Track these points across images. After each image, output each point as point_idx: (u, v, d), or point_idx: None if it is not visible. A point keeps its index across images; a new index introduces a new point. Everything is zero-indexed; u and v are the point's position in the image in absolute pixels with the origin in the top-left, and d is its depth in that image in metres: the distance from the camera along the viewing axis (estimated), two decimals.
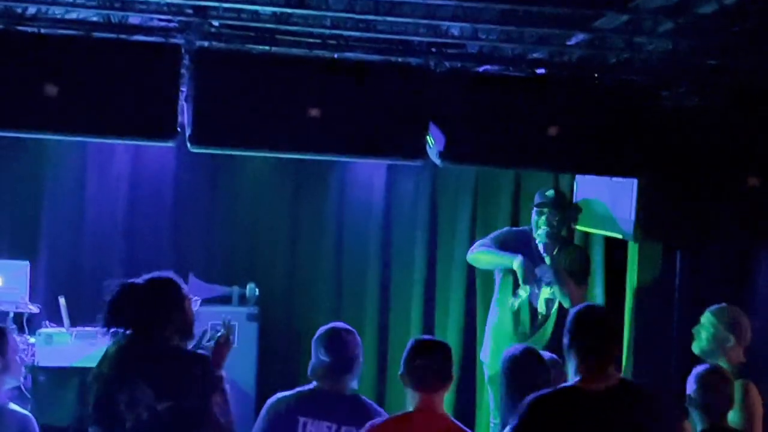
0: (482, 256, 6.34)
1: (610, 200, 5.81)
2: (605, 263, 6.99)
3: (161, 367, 4.00)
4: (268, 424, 4.43)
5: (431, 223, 7.63)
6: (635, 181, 5.44)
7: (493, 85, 5.01)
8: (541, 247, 6.17)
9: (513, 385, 4.56)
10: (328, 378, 4.43)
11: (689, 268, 6.13)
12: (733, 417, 4.58)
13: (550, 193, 6.30)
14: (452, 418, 4.11)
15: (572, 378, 3.94)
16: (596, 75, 5.14)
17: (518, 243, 6.32)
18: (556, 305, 6.24)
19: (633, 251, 6.22)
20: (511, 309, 6.28)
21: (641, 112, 5.09)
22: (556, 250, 6.22)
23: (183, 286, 4.21)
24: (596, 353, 3.90)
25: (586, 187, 6.24)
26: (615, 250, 6.64)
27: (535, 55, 5.05)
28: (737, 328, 5.00)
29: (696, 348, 5.08)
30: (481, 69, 5.07)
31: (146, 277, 4.19)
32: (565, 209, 6.32)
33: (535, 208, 6.33)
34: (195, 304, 4.35)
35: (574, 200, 6.48)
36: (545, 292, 6.17)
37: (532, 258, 6.19)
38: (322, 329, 4.60)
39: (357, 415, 4.33)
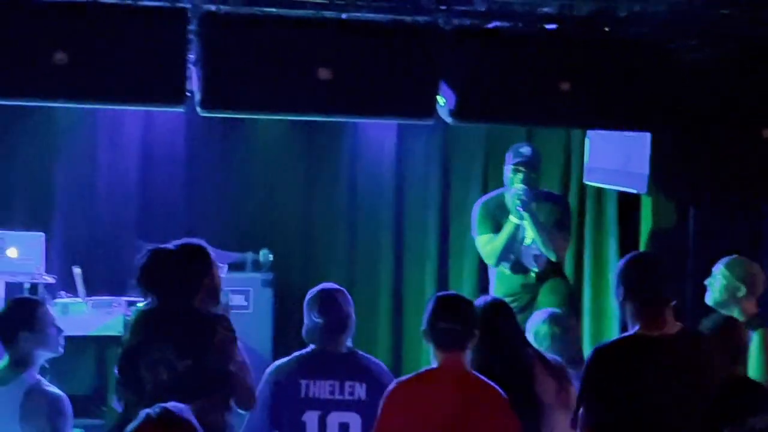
0: (491, 247, 6.18)
1: (623, 155, 5.77)
2: (619, 218, 6.97)
3: (182, 327, 4.02)
4: (270, 393, 4.41)
5: (444, 185, 7.62)
6: (649, 136, 5.41)
7: (503, 42, 4.99)
8: (518, 205, 6.00)
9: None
10: (324, 339, 4.42)
11: (703, 221, 6.10)
12: (753, 365, 4.59)
13: (526, 150, 6.10)
14: (479, 375, 4.02)
15: (631, 327, 3.95)
16: (607, 29, 5.10)
17: (498, 211, 6.20)
18: (544, 260, 6.15)
19: (647, 206, 6.20)
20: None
21: (653, 66, 5.07)
22: (534, 206, 6.11)
23: (212, 252, 4.23)
24: (652, 302, 3.91)
25: (599, 142, 6.20)
26: (629, 205, 6.62)
27: (544, 10, 5.01)
28: (748, 278, 4.99)
29: (710, 299, 5.07)
30: (490, 26, 5.04)
31: (177, 243, 4.20)
32: (540, 165, 6.19)
33: (510, 166, 6.09)
34: (222, 271, 4.37)
35: (586, 155, 6.42)
36: (529, 235, 6.06)
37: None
38: (311, 292, 4.57)
39: (357, 370, 4.39)
